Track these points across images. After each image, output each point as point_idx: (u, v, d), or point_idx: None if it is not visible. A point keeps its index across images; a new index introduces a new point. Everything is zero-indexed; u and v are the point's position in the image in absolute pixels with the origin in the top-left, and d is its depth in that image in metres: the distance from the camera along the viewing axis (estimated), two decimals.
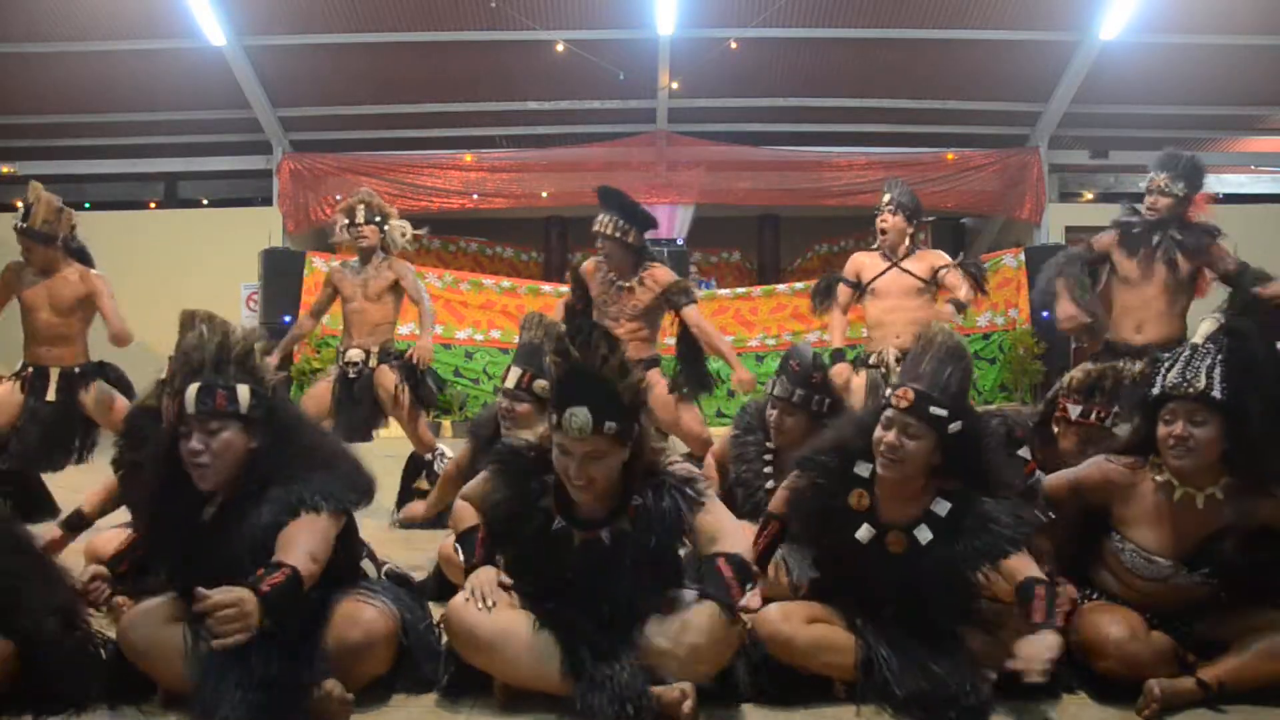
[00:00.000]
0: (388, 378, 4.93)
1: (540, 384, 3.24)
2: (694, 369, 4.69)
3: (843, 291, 5.06)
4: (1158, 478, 2.44)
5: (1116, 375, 3.16)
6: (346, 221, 5.12)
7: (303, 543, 2.18)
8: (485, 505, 2.45)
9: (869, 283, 4.96)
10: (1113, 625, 2.37)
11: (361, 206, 5.09)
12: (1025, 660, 2.21)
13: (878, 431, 2.38)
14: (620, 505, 2.33)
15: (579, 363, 2.23)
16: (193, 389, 2.25)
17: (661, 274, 4.61)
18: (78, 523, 3.32)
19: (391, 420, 5.11)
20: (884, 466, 2.37)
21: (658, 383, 4.46)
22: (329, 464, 2.37)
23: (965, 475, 2.40)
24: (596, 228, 4.55)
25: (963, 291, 4.81)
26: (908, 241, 4.94)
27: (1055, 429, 3.16)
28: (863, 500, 2.43)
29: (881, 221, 4.95)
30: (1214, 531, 2.37)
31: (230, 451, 2.26)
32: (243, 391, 2.28)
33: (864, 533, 2.41)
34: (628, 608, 2.31)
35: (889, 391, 2.45)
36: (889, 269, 4.92)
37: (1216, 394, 2.32)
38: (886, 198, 4.95)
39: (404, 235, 5.18)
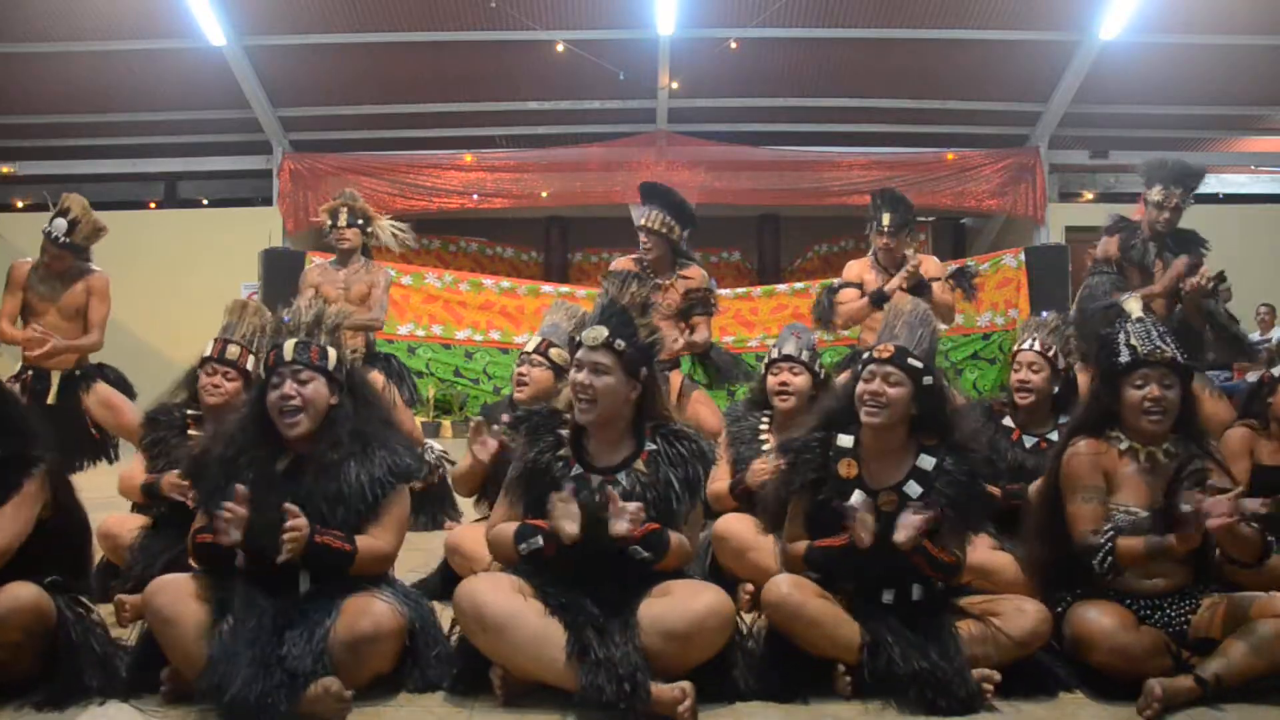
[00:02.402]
0: (374, 378, 4.94)
1: (557, 350, 3.38)
2: (710, 360, 4.71)
3: (851, 294, 4.97)
4: (1120, 447, 2.60)
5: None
6: (329, 223, 5.13)
7: (395, 522, 2.51)
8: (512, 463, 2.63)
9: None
10: (1102, 617, 2.40)
11: (344, 210, 5.09)
12: None
13: (860, 385, 2.55)
14: (634, 451, 2.52)
15: (611, 297, 2.61)
16: (291, 341, 2.52)
17: (696, 272, 4.56)
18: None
19: None
20: (868, 415, 2.53)
21: (678, 384, 4.43)
22: (393, 437, 2.61)
23: (937, 429, 2.57)
24: (643, 222, 4.48)
25: (938, 294, 4.76)
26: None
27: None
28: (851, 469, 2.56)
29: (883, 241, 4.87)
30: (1172, 478, 2.52)
31: (318, 401, 2.49)
32: (332, 353, 2.55)
33: (857, 497, 2.49)
34: (632, 574, 2.40)
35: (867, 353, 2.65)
36: (888, 281, 4.92)
37: (1179, 358, 2.57)
38: (887, 218, 4.77)
39: (395, 236, 5.18)
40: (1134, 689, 2.31)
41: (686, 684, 2.23)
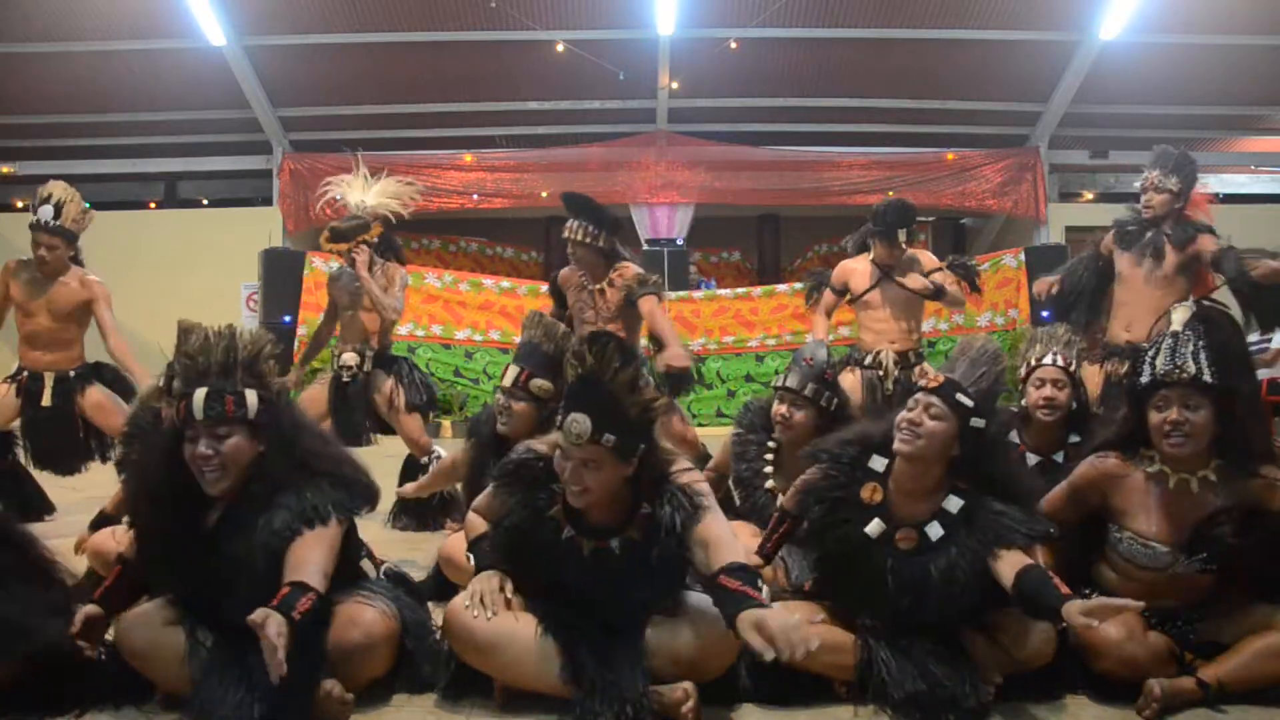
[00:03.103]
0: (383, 381, 4.89)
1: (537, 383, 3.25)
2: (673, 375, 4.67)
3: (827, 298, 5.10)
4: (1149, 469, 2.44)
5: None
6: (345, 263, 4.96)
7: (316, 559, 2.17)
8: (495, 517, 2.46)
9: (862, 294, 4.97)
10: (1111, 626, 2.34)
11: (350, 252, 4.87)
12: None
13: (902, 412, 2.39)
14: (630, 515, 2.32)
15: (591, 370, 2.21)
16: (200, 394, 2.20)
17: (629, 270, 4.53)
18: (102, 523, 3.27)
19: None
20: (901, 443, 2.36)
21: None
22: (333, 469, 2.35)
23: (981, 478, 2.40)
24: (566, 234, 4.50)
25: (949, 286, 4.89)
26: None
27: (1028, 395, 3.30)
28: (875, 494, 2.42)
29: (900, 250, 4.96)
30: (1208, 515, 2.37)
31: (239, 456, 2.23)
32: (251, 397, 2.24)
33: (875, 527, 2.39)
34: (634, 614, 2.31)
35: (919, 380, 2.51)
36: (881, 280, 4.95)
37: (1207, 377, 2.34)
38: (903, 235, 4.90)
39: (396, 198, 5.09)
40: (1136, 689, 2.30)
41: (689, 684, 2.21)
